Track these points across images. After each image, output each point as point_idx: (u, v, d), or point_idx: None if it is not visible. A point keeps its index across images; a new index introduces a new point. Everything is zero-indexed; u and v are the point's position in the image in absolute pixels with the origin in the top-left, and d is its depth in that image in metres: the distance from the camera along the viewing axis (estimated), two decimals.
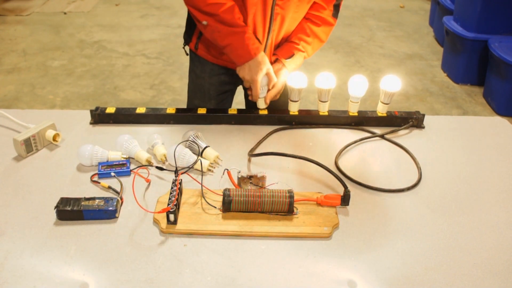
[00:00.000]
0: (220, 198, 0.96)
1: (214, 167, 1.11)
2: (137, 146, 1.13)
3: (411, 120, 1.31)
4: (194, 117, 1.30)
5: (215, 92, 1.48)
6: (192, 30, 1.41)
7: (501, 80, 3.05)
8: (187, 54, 1.49)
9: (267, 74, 1.27)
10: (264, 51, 1.34)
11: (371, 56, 3.95)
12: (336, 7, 1.37)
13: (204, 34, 1.32)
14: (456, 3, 3.54)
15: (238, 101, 1.69)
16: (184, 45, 1.48)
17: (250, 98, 1.33)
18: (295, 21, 1.34)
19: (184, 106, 1.56)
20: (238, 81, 1.47)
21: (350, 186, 1.02)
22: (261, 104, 1.31)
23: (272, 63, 1.35)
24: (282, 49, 1.37)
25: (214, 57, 1.41)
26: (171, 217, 0.91)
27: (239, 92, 1.60)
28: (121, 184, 1.03)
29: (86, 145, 1.10)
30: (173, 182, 0.97)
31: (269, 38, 1.31)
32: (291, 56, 1.35)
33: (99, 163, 1.08)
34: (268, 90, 1.30)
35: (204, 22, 1.23)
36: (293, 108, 1.31)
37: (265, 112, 1.31)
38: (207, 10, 1.20)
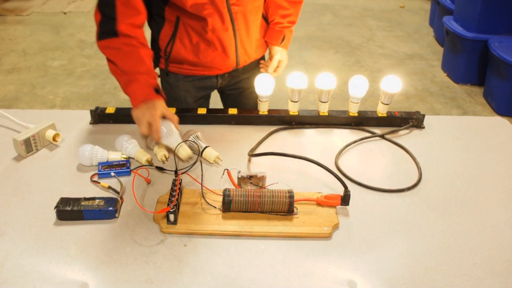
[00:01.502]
0: (220, 198, 0.96)
1: (222, 159, 1.12)
2: (137, 146, 1.13)
3: (411, 120, 1.31)
4: (194, 117, 1.30)
5: (192, 99, 1.44)
6: (158, 55, 1.34)
7: (501, 80, 3.05)
8: (159, 76, 1.37)
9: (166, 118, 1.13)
10: (236, 51, 1.32)
11: (371, 56, 3.95)
12: None
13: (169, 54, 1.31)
14: (456, 3, 3.54)
15: (216, 101, 1.64)
16: (156, 67, 1.38)
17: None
18: (258, 10, 1.32)
19: None
20: (213, 85, 1.44)
21: (350, 186, 1.02)
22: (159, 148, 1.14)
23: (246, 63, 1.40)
24: (271, 34, 1.41)
25: (188, 70, 1.37)
26: (171, 217, 0.91)
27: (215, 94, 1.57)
28: (121, 184, 1.03)
29: (86, 145, 1.10)
30: (173, 182, 0.97)
31: (237, 38, 1.29)
32: (283, 39, 1.41)
33: (99, 163, 1.08)
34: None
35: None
36: (293, 109, 1.31)
37: (266, 112, 1.31)
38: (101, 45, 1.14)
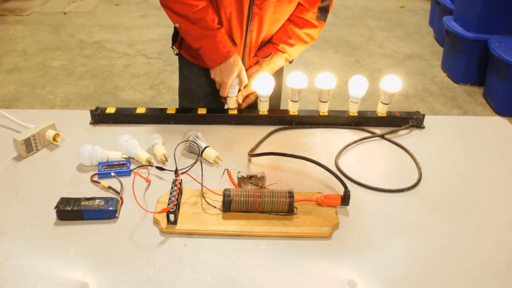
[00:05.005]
0: (220, 198, 0.96)
1: (222, 160, 1.12)
2: (137, 146, 1.13)
3: (411, 120, 1.31)
4: (194, 117, 1.30)
5: (203, 94, 1.46)
6: (177, 30, 1.40)
7: (501, 80, 3.05)
8: (176, 54, 1.49)
9: (239, 76, 1.29)
10: (243, 51, 1.34)
11: (371, 56, 3.95)
12: (322, 10, 1.34)
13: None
14: (456, 3, 3.54)
15: None
16: (172, 45, 1.47)
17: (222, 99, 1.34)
18: (275, 22, 1.32)
19: None
20: None
21: (350, 186, 1.02)
22: (231, 104, 1.32)
23: (252, 64, 1.38)
24: (262, 49, 1.38)
25: (195, 58, 1.40)
26: (171, 217, 0.91)
27: None
28: (121, 184, 1.03)
29: (86, 145, 1.10)
30: (173, 182, 0.97)
31: (247, 38, 1.31)
32: (267, 55, 1.35)
33: (99, 163, 1.08)
34: (240, 90, 1.31)
35: (176, 25, 1.24)
36: (293, 108, 1.31)
37: (266, 112, 1.31)
38: (179, 11, 1.21)
